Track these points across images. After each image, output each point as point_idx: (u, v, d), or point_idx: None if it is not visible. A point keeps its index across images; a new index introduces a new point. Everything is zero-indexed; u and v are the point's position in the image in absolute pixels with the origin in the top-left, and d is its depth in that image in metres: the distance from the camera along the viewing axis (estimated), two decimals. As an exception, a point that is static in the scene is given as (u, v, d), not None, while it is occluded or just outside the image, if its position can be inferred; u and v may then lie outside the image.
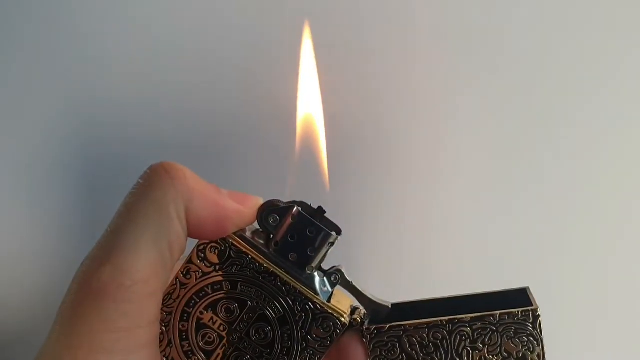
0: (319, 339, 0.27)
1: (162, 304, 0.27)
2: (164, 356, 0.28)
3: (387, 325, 0.27)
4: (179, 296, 0.28)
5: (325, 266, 0.28)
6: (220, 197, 0.27)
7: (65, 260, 0.39)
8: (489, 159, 0.39)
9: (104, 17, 0.39)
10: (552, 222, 0.39)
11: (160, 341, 0.28)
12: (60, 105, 0.40)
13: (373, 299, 0.28)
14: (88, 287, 0.24)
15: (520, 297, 0.28)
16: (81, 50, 0.39)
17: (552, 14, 0.37)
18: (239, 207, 0.27)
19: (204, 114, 0.40)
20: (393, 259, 0.39)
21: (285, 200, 0.28)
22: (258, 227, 0.28)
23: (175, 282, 0.28)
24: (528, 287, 0.28)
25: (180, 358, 0.28)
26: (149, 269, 0.25)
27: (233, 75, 0.39)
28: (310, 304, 0.27)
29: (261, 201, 0.28)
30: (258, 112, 0.39)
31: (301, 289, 0.27)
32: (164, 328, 0.28)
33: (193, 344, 0.28)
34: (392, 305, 0.28)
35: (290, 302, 0.27)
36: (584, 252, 0.40)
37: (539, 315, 0.26)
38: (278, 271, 0.27)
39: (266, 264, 0.27)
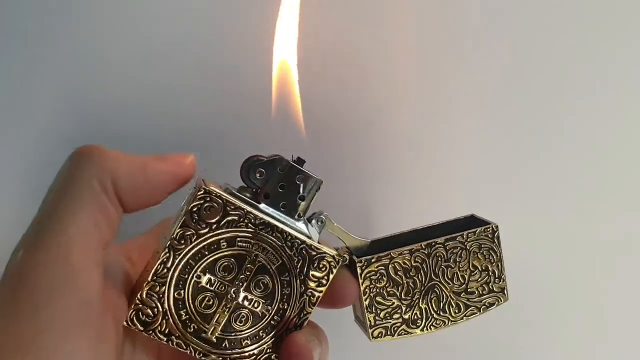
0: (316, 280, 0.28)
1: (151, 277, 0.27)
2: (158, 331, 0.27)
3: (375, 256, 0.30)
4: (172, 264, 0.27)
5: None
6: (147, 160, 0.27)
7: None
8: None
9: (104, 16, 0.38)
10: (552, 220, 0.40)
11: (154, 316, 0.27)
12: (60, 104, 0.39)
13: (355, 237, 0.30)
14: (21, 270, 0.24)
15: (475, 221, 0.32)
16: (81, 50, 0.39)
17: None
18: (166, 164, 0.27)
19: (204, 113, 0.39)
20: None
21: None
22: (227, 185, 0.28)
23: (167, 251, 0.27)
24: (474, 214, 0.33)
25: (178, 329, 0.27)
26: (83, 255, 0.24)
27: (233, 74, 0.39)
28: (306, 247, 0.28)
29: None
30: (258, 111, 0.38)
31: (296, 235, 0.28)
32: (157, 302, 0.27)
33: (190, 310, 0.28)
34: (371, 241, 0.31)
35: (287, 249, 0.28)
36: (585, 252, 0.41)
37: (497, 230, 0.31)
38: (274, 221, 0.28)
39: (262, 215, 0.27)
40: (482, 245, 0.31)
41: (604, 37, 0.38)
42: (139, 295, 0.27)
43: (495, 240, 0.31)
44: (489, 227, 0.31)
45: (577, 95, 0.39)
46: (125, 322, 0.27)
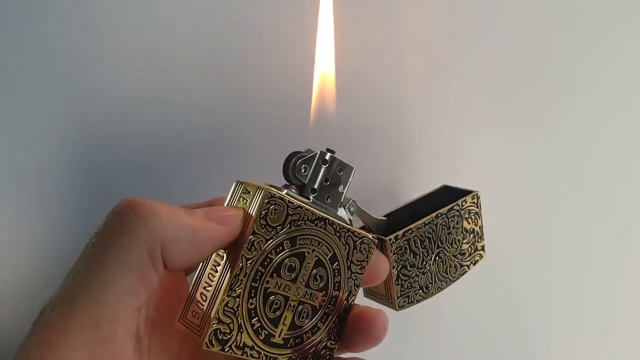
0: (359, 263, 0.29)
1: (227, 293, 0.26)
2: (235, 346, 0.26)
3: (401, 232, 0.32)
4: (245, 275, 0.26)
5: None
6: (196, 221, 0.25)
7: (64, 259, 0.33)
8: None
9: (105, 15, 0.38)
10: (552, 219, 0.41)
11: (230, 331, 0.26)
12: (60, 104, 0.39)
13: (375, 217, 0.32)
14: (52, 333, 0.22)
15: (451, 190, 0.36)
16: (84, 49, 0.39)
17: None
18: (218, 227, 0.26)
19: (205, 113, 0.38)
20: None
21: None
22: (271, 185, 0.28)
23: (241, 262, 0.26)
24: (446, 184, 0.37)
25: (251, 339, 0.27)
26: (115, 324, 0.23)
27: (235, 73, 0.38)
28: (351, 234, 0.29)
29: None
30: (260, 111, 0.38)
31: (343, 225, 0.29)
32: (232, 317, 0.26)
33: (261, 318, 0.27)
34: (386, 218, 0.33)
35: (337, 239, 0.29)
36: (586, 252, 0.41)
37: (479, 196, 0.35)
38: (325, 214, 0.28)
39: (317, 211, 0.28)
40: (470, 211, 0.35)
41: (604, 37, 0.39)
42: (214, 314, 0.25)
43: (479, 205, 0.35)
44: (475, 194, 0.35)
45: (578, 94, 0.39)
46: (204, 345, 0.25)
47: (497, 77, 0.39)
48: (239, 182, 0.28)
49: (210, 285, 0.26)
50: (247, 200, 0.27)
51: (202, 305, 0.26)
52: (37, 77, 0.39)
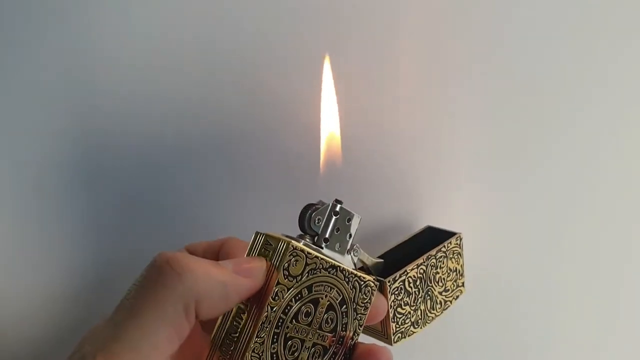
0: (363, 304, 0.32)
1: (257, 337, 0.28)
2: None
3: (398, 274, 0.34)
4: (269, 322, 0.28)
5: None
6: (226, 276, 0.28)
7: (65, 258, 0.39)
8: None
9: (107, 14, 0.38)
10: (553, 221, 0.41)
11: None
12: (60, 104, 0.39)
13: (373, 259, 0.34)
14: None
15: (435, 231, 0.39)
16: (85, 49, 0.39)
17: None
18: (246, 281, 0.28)
19: (206, 114, 0.38)
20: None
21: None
22: (287, 235, 0.30)
23: (266, 311, 0.28)
24: (430, 225, 0.40)
25: None
26: None
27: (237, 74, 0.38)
28: (357, 279, 0.31)
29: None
30: (261, 112, 0.39)
31: (351, 271, 0.31)
32: None
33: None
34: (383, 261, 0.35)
35: (346, 284, 0.31)
36: (585, 253, 0.41)
37: (462, 237, 0.39)
38: (337, 262, 0.30)
39: (329, 259, 0.30)
40: (454, 251, 0.38)
41: (605, 40, 0.38)
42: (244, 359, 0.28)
43: (461, 246, 0.39)
44: (458, 236, 0.38)
45: (578, 97, 0.39)
46: None
47: (484, 124, 0.42)
48: (259, 233, 0.30)
49: (236, 333, 0.28)
50: (269, 252, 0.29)
51: (229, 351, 0.28)
52: (37, 77, 0.39)
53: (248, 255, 0.30)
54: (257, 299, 0.28)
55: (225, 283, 0.27)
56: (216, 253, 0.34)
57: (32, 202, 0.40)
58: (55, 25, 0.38)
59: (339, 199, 0.31)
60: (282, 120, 0.39)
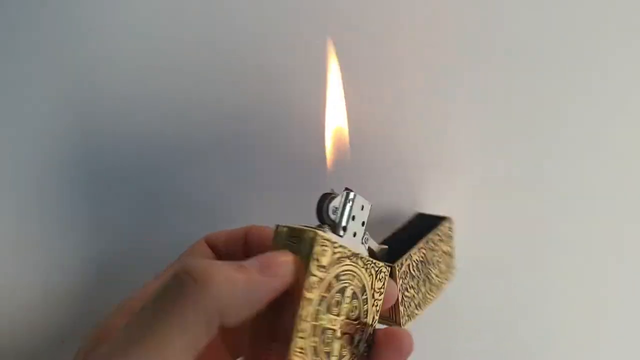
0: (378, 290, 0.32)
1: (298, 332, 0.28)
2: None
3: (404, 257, 0.35)
4: (307, 314, 0.28)
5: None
6: (252, 281, 0.27)
7: (65, 258, 0.39)
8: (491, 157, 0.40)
9: (108, 14, 0.38)
10: (554, 221, 0.40)
11: None
12: (60, 104, 0.39)
13: (380, 246, 0.35)
14: None
15: (427, 217, 0.41)
16: (87, 49, 0.39)
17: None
18: (272, 281, 0.28)
19: (205, 114, 0.38)
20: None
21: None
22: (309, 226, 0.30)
23: (303, 302, 0.28)
24: (420, 212, 0.42)
25: None
26: None
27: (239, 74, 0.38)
28: (374, 266, 0.32)
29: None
30: (261, 112, 0.39)
31: (368, 258, 0.32)
32: (302, 357, 0.28)
33: (318, 354, 0.29)
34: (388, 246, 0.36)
35: (364, 271, 0.31)
36: (584, 253, 0.40)
37: (453, 221, 0.40)
38: (358, 250, 0.31)
39: (351, 248, 0.30)
40: (447, 234, 0.40)
41: (606, 41, 0.37)
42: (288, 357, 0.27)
43: (453, 229, 0.40)
44: (450, 219, 0.40)
45: (578, 98, 0.38)
46: None
47: (488, 115, 0.41)
48: (280, 226, 0.29)
49: (270, 329, 0.28)
50: (295, 244, 0.29)
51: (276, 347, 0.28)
52: (37, 78, 0.39)
53: (274, 250, 0.29)
54: (291, 294, 0.28)
55: (250, 289, 0.26)
56: (239, 243, 0.33)
57: (32, 202, 0.38)
58: (56, 25, 0.38)
59: (348, 187, 0.32)
60: (284, 117, 0.39)
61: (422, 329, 0.41)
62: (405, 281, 0.36)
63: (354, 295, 0.31)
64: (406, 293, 0.36)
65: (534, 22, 0.38)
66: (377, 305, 0.32)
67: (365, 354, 0.32)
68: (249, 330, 0.29)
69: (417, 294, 0.37)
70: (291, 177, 0.41)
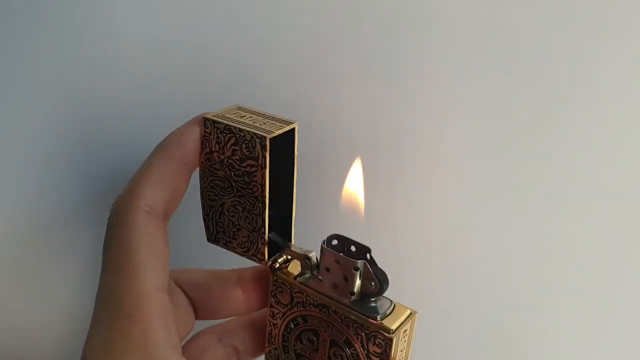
0: (377, 355, 0.29)
1: (268, 343, 0.33)
2: None
3: None
4: (275, 335, 0.32)
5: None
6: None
7: (65, 258, 0.39)
8: (492, 162, 0.39)
9: (108, 13, 0.38)
10: (556, 223, 0.39)
11: None
12: (60, 105, 0.39)
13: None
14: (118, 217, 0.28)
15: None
16: (88, 49, 0.39)
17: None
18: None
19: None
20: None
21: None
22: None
23: (269, 324, 0.32)
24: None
25: None
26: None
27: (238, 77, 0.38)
28: (360, 326, 0.29)
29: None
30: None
31: (351, 316, 0.29)
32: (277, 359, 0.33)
33: None
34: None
35: (345, 327, 0.30)
36: (587, 256, 0.39)
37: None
38: (329, 301, 0.30)
39: (321, 296, 0.30)
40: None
41: (606, 41, 0.36)
42: (265, 355, 0.33)
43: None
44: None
45: (580, 102, 0.37)
46: None
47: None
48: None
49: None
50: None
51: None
52: (37, 78, 0.39)
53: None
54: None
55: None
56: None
57: (32, 202, 0.39)
58: (56, 25, 0.38)
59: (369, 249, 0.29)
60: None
61: (422, 328, 0.42)
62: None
63: (334, 343, 0.31)
64: None
65: (534, 22, 0.37)
66: None
67: None
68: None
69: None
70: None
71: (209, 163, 0.30)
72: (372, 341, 0.29)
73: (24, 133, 0.40)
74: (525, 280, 0.41)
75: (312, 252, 0.31)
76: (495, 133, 0.38)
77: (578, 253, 0.40)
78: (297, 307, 0.31)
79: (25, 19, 0.39)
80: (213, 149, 0.30)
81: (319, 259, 0.30)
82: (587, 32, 0.36)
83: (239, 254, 0.32)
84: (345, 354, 0.30)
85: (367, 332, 0.29)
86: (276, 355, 0.33)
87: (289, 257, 0.32)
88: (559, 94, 0.37)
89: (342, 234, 0.30)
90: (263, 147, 0.29)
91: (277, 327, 0.32)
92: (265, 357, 0.34)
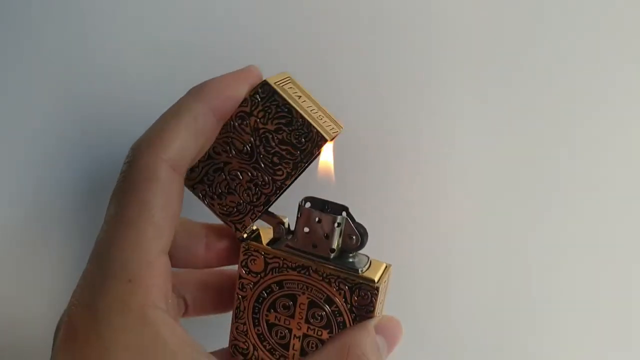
0: (363, 307, 0.30)
1: (235, 319, 0.32)
2: (255, 358, 0.33)
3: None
4: (245, 307, 0.32)
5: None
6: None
7: (65, 258, 0.38)
8: (496, 162, 0.38)
9: (108, 13, 0.38)
10: (559, 224, 0.38)
11: (247, 348, 0.32)
12: (60, 105, 0.39)
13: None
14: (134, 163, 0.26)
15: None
16: (88, 49, 0.39)
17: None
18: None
19: None
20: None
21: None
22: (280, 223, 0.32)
23: (237, 297, 0.32)
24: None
25: (268, 357, 0.32)
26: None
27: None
28: (343, 281, 0.30)
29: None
30: None
31: (332, 270, 0.30)
32: (245, 337, 0.32)
33: (271, 342, 0.32)
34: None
35: (327, 284, 0.30)
36: (590, 258, 0.39)
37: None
38: (307, 262, 0.30)
39: (299, 259, 0.30)
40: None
41: (606, 42, 0.36)
42: (230, 332, 0.33)
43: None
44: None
45: (582, 103, 0.37)
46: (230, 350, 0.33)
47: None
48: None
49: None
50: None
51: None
52: (37, 78, 0.39)
53: None
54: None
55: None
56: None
57: (32, 202, 0.39)
58: (56, 25, 0.38)
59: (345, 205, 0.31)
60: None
61: (421, 328, 0.42)
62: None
63: (314, 304, 0.31)
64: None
65: (533, 22, 0.37)
66: (360, 319, 0.31)
67: None
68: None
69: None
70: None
71: (240, 121, 0.29)
72: (356, 293, 0.30)
73: (24, 133, 0.40)
74: (525, 279, 0.40)
75: (285, 217, 0.32)
76: (504, 132, 0.38)
77: (584, 255, 0.39)
78: (272, 274, 0.31)
79: (25, 19, 0.39)
80: (254, 114, 0.28)
81: (291, 224, 0.31)
82: (594, 31, 0.36)
83: (215, 212, 0.31)
84: (326, 312, 0.30)
85: (350, 284, 0.30)
86: (244, 331, 0.32)
87: (256, 227, 0.32)
88: (568, 95, 0.37)
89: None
90: (317, 146, 0.28)
91: (246, 299, 0.31)
92: (231, 336, 0.33)
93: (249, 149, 0.29)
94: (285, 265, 0.30)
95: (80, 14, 0.39)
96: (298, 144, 0.28)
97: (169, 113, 0.27)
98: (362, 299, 0.30)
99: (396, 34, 0.38)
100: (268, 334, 0.32)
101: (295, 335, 0.32)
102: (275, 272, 0.31)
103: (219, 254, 0.32)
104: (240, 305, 0.32)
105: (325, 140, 0.28)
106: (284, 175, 0.29)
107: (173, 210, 0.26)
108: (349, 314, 0.31)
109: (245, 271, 0.31)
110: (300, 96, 0.29)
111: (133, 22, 0.39)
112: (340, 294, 0.30)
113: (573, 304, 0.40)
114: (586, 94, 0.37)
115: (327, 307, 0.31)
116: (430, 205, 0.40)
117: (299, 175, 0.30)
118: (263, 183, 0.30)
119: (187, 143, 0.26)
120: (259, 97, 0.28)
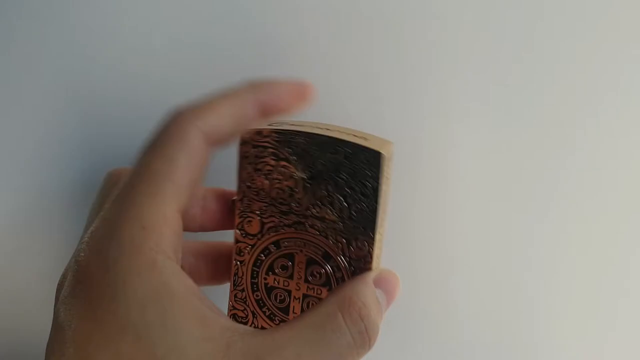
0: (360, 258, 0.30)
1: (233, 287, 0.31)
2: (255, 327, 0.32)
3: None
4: (243, 273, 0.31)
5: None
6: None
7: (65, 259, 0.33)
8: (497, 162, 0.38)
9: (109, 13, 0.38)
10: (559, 224, 0.38)
11: (246, 316, 0.32)
12: (60, 104, 0.40)
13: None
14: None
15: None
16: (89, 48, 0.39)
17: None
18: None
19: None
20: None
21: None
22: None
23: (235, 264, 0.31)
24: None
25: (267, 323, 0.32)
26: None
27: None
28: (340, 232, 0.29)
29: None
30: None
31: (328, 225, 0.29)
32: (244, 305, 0.32)
33: (271, 307, 0.32)
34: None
35: (324, 238, 0.30)
36: (590, 258, 0.38)
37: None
38: (304, 219, 0.30)
39: (292, 218, 0.30)
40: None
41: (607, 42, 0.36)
42: (229, 302, 0.32)
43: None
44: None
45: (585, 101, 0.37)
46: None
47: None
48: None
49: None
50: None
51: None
52: (37, 78, 0.39)
53: None
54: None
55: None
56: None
57: (32, 202, 0.38)
58: (56, 24, 0.38)
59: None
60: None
61: (421, 327, 0.42)
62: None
63: (312, 261, 0.31)
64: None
65: (533, 22, 0.37)
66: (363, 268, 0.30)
67: None
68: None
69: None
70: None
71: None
72: (353, 245, 0.30)
73: (24, 133, 0.40)
74: (524, 279, 0.41)
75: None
76: (504, 131, 0.38)
77: (584, 255, 0.39)
78: (269, 233, 0.30)
79: (25, 19, 0.38)
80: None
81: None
82: (596, 30, 0.36)
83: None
84: (325, 269, 0.30)
85: (346, 236, 0.30)
86: (242, 298, 0.32)
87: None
88: (569, 95, 0.37)
89: None
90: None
91: (244, 264, 0.31)
92: (230, 305, 0.33)
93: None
94: (281, 223, 0.30)
95: (80, 14, 0.37)
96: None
97: (218, 91, 0.27)
98: (360, 250, 0.30)
99: (396, 34, 0.38)
100: (267, 298, 0.32)
101: (295, 297, 0.31)
102: (272, 232, 0.30)
103: (214, 216, 0.31)
104: (239, 271, 0.31)
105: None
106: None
107: (195, 176, 0.26)
108: (347, 269, 0.30)
109: (242, 234, 0.31)
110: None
111: (134, 22, 0.39)
112: (338, 247, 0.30)
113: (573, 304, 0.40)
114: (587, 94, 0.37)
115: (326, 265, 0.30)
116: (430, 205, 0.40)
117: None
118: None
119: (225, 120, 0.26)
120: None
